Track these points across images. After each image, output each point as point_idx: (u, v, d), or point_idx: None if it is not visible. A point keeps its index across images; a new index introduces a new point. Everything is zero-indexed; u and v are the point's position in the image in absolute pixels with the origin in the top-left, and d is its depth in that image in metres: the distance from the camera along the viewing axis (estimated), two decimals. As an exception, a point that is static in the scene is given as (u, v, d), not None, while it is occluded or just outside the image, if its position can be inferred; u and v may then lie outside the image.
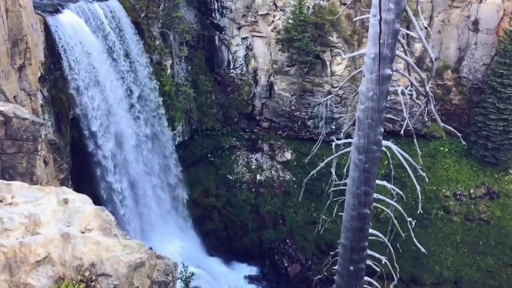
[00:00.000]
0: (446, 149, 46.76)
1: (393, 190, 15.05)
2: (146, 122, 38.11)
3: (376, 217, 34.03)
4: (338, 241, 15.08)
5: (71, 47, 29.80)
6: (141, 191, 38.06)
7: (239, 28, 45.20)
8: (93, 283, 8.08)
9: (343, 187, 14.63)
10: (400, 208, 15.06)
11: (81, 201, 9.61)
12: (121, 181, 35.54)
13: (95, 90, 32.27)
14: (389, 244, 15.54)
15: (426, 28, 13.58)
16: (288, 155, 47.40)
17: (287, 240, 43.42)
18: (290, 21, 42.98)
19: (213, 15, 45.12)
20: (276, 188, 45.76)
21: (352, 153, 13.34)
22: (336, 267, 15.33)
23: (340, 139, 14.68)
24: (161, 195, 40.29)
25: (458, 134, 14.67)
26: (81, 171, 31.72)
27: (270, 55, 45.70)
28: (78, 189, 16.92)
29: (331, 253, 16.52)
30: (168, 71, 41.25)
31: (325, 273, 19.23)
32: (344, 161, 16.14)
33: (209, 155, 46.43)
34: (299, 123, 47.37)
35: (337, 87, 42.95)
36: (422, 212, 16.37)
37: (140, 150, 37.70)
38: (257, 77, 46.88)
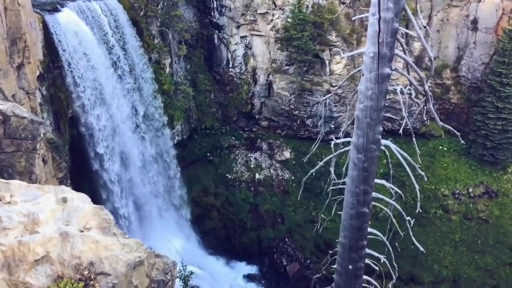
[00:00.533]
0: (445, 148, 46.80)
1: (392, 189, 15.06)
2: (151, 142, 37.74)
3: (375, 216, 34.06)
4: (337, 240, 15.09)
5: (76, 61, 29.23)
6: (147, 212, 37.84)
7: (238, 27, 45.17)
8: (92, 282, 8.09)
9: (342, 186, 14.63)
10: (399, 207, 15.08)
11: (80, 200, 9.60)
12: (127, 205, 35.23)
13: (101, 109, 31.66)
14: (387, 243, 15.56)
15: (425, 27, 13.57)
16: (287, 154, 47.41)
17: (286, 239, 43.45)
18: (289, 20, 42.96)
19: (212, 14, 45.07)
20: (275, 187, 45.78)
21: (351, 152, 13.35)
22: (335, 266, 15.35)
23: (339, 138, 14.68)
24: (165, 216, 40.15)
25: (457, 133, 14.68)
26: (80, 170, 31.67)
27: (269, 54, 45.67)
28: (77, 187, 16.90)
29: (330, 252, 16.53)
30: (167, 70, 41.24)
31: (324, 272, 19.21)
32: (343, 160, 16.17)
33: (208, 154, 46.43)
34: (298, 122, 47.37)
35: (336, 86, 42.93)
36: (421, 211, 16.38)
37: (146, 171, 37.40)
38: (256, 76, 46.87)
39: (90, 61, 30.58)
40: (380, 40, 11.33)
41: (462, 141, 20.82)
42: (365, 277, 15.39)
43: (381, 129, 12.75)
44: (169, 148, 40.40)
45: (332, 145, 14.46)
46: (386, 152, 13.97)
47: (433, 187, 44.79)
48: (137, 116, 35.92)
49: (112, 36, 32.77)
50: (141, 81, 36.24)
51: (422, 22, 12.45)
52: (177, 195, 41.67)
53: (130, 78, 34.84)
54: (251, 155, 47.23)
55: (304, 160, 25.21)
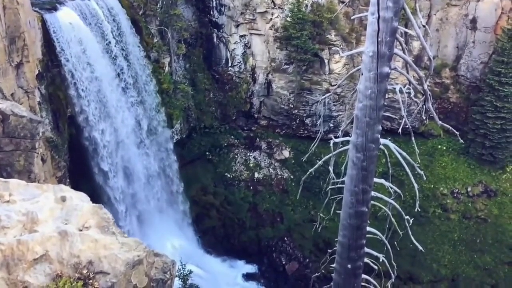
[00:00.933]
0: (444, 147, 46.83)
1: (391, 188, 15.08)
2: (154, 157, 37.31)
3: (373, 215, 34.07)
4: (336, 239, 15.12)
5: (80, 72, 28.36)
6: (148, 223, 37.73)
7: (237, 26, 45.13)
8: (90, 281, 8.09)
9: (341, 185, 14.66)
10: (397, 206, 15.10)
11: (79, 199, 9.60)
12: (131, 222, 34.83)
13: (106, 124, 30.87)
14: (386, 242, 15.59)
15: (424, 26, 13.57)
16: (286, 153, 47.41)
17: (285, 238, 43.46)
18: (288, 19, 42.93)
19: (211, 12, 45.03)
20: (274, 186, 45.77)
21: (350, 151, 13.36)
22: (334, 265, 15.37)
23: (338, 137, 14.69)
24: (165, 215, 39.95)
25: (456, 132, 14.71)
26: (79, 169, 31.59)
27: (268, 53, 45.64)
28: (75, 186, 16.91)
29: (329, 251, 16.56)
30: (166, 69, 41.18)
31: (323, 271, 19.26)
32: (342, 159, 16.16)
33: (207, 153, 46.41)
34: (297, 121, 47.35)
35: (335, 85, 42.93)
36: (419, 210, 16.42)
37: (151, 187, 37.08)
38: (255, 75, 46.84)
39: (94, 72, 29.60)
40: (379, 39, 11.35)
41: (461, 140, 20.84)
42: (364, 276, 15.42)
43: (380, 128, 12.77)
44: (172, 163, 40.33)
45: (331, 144, 14.47)
46: (385, 151, 13.98)
47: (432, 186, 44.82)
48: (141, 131, 35.31)
49: (115, 46, 31.74)
50: (144, 94, 35.55)
51: (421, 21, 12.46)
52: (180, 210, 41.57)
53: (133, 91, 34.00)
54: (250, 154, 47.21)
55: (303, 159, 25.24)
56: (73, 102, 29.40)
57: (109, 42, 31.44)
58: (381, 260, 15.74)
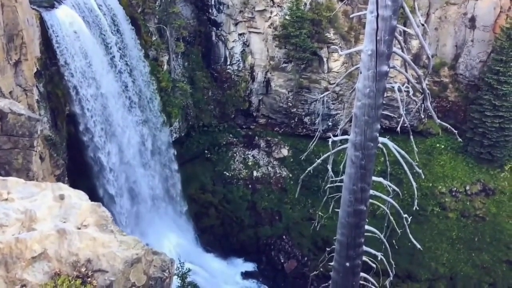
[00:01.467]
0: (442, 146, 46.88)
1: (389, 186, 15.10)
2: (159, 179, 37.27)
3: (372, 213, 33.85)
4: (334, 238, 15.14)
5: (85, 89, 27.76)
6: (147, 222, 37.75)
7: (236, 24, 45.08)
8: (89, 279, 8.10)
9: (339, 184, 14.67)
10: (396, 204, 15.12)
11: (77, 197, 9.60)
12: (131, 227, 34.68)
13: (111, 145, 30.43)
14: (385, 240, 15.62)
15: (423, 25, 13.57)
16: (284, 152, 47.42)
17: (284, 236, 43.49)
18: (287, 17, 42.90)
19: (210, 11, 44.98)
20: (272, 185, 45.78)
21: (348, 149, 13.38)
22: (332, 263, 15.39)
23: (336, 135, 14.70)
24: (163, 213, 39.97)
25: (454, 131, 14.75)
26: (78, 167, 31.52)
27: (267, 51, 45.62)
28: (74, 184, 16.89)
29: (327, 249, 16.59)
30: (165, 67, 41.13)
31: (321, 269, 19.30)
32: (341, 157, 16.17)
33: (205, 151, 46.40)
34: (296, 120, 47.36)
35: (334, 83, 42.92)
36: (418, 208, 16.45)
37: (156, 208, 37.05)
38: (254, 74, 46.82)
39: (100, 88, 29.06)
40: (378, 38, 11.35)
41: (460, 139, 20.85)
42: (362, 274, 15.44)
43: (379, 126, 12.78)
44: (176, 182, 40.42)
45: (329, 143, 14.48)
46: (384, 149, 13.99)
47: (430, 184, 44.88)
48: (146, 152, 34.97)
49: (119, 60, 31.06)
50: (148, 113, 35.00)
51: (420, 20, 12.48)
52: (185, 229, 41.52)
53: (138, 109, 33.47)
54: (249, 153, 47.22)
55: (302, 158, 25.21)
56: (78, 121, 29.14)
57: (113, 56, 30.85)
58: (379, 259, 15.76)
